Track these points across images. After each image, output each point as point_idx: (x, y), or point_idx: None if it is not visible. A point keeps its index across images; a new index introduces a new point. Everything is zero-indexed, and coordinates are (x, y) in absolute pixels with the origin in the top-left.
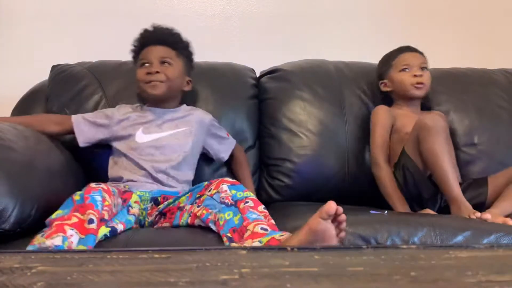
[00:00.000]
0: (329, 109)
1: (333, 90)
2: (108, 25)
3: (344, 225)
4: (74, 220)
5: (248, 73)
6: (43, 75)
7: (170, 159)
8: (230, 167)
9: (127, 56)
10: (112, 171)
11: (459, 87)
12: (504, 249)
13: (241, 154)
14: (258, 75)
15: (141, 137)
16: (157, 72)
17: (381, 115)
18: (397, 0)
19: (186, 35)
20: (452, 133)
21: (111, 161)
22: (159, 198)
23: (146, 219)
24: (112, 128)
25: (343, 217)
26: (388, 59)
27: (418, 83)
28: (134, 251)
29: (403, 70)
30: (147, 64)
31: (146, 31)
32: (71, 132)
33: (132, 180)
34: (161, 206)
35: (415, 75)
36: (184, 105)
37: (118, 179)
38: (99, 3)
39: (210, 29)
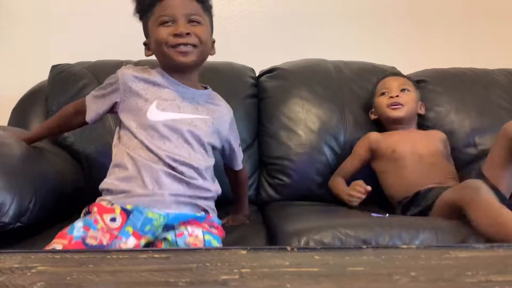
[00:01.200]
0: (328, 107)
1: (332, 88)
2: (108, 25)
3: None
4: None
5: (248, 73)
6: (43, 75)
7: (189, 146)
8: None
9: (127, 56)
10: (116, 157)
11: (459, 87)
12: (504, 249)
13: (244, 171)
14: (257, 74)
15: (155, 113)
16: (188, 34)
17: (358, 145)
18: (397, 0)
19: None
20: (453, 134)
21: (115, 140)
22: (174, 225)
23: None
24: (119, 92)
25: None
26: (373, 88)
27: (393, 104)
28: (134, 251)
29: (382, 94)
30: (170, 23)
31: None
32: None
33: (139, 174)
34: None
35: (390, 97)
36: (211, 90)
37: (122, 166)
38: (99, 3)
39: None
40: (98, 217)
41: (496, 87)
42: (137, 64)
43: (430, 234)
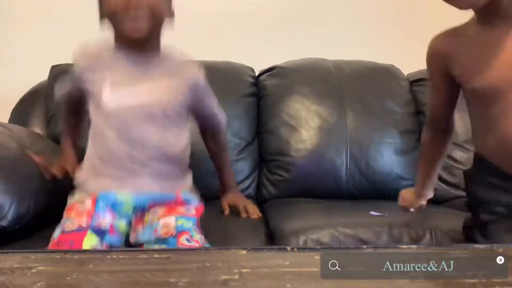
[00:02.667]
0: (328, 104)
1: (332, 86)
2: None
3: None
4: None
5: (247, 72)
6: (43, 75)
7: (155, 129)
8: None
9: None
10: (89, 150)
11: None
12: (504, 249)
13: (224, 136)
14: (257, 74)
15: (109, 97)
16: (138, 5)
17: (427, 64)
18: (398, 0)
19: (186, 34)
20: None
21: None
22: (145, 206)
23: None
24: (80, 78)
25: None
26: None
27: None
28: (134, 251)
29: None
30: None
31: None
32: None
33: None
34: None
35: None
36: (171, 51)
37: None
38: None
39: (210, 29)
40: (66, 214)
41: None
42: None
43: (430, 233)
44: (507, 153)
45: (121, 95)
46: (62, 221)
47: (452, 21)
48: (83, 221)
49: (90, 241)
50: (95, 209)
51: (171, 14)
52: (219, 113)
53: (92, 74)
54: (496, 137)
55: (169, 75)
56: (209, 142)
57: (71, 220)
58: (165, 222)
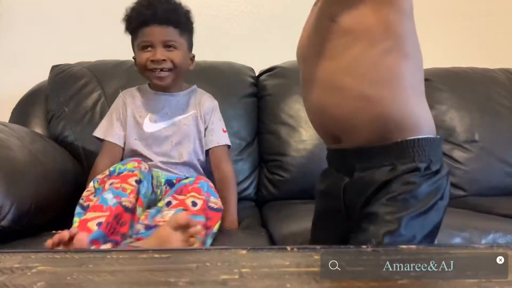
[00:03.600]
0: None
1: None
2: (108, 25)
3: (194, 238)
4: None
5: (247, 72)
6: (43, 75)
7: (181, 146)
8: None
9: (127, 56)
10: None
11: (460, 85)
12: (504, 249)
13: (229, 169)
14: (257, 74)
15: (149, 125)
16: (164, 60)
17: None
18: None
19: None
20: (453, 130)
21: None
22: (174, 181)
23: (160, 199)
24: (124, 116)
25: (194, 230)
26: None
27: None
28: (134, 251)
29: None
30: (149, 48)
31: (144, 5)
32: (120, 150)
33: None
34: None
35: None
36: (193, 87)
37: None
38: (99, 3)
39: (210, 29)
40: (124, 185)
41: (497, 86)
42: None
43: None
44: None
45: (156, 125)
46: (112, 189)
47: (453, 20)
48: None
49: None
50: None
51: (191, 62)
52: (224, 139)
53: (133, 107)
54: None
55: (192, 105)
56: (214, 172)
57: (128, 197)
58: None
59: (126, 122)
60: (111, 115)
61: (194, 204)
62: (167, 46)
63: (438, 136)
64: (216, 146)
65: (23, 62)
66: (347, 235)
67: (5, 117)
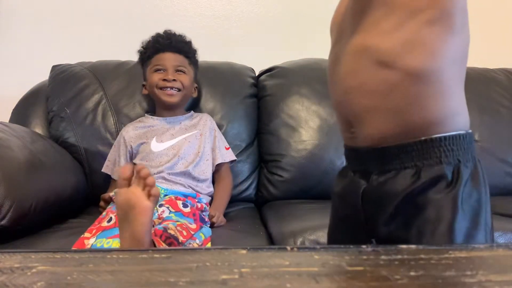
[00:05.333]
0: (328, 104)
1: None
2: (108, 25)
3: (153, 189)
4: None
5: (247, 72)
6: (43, 75)
7: (186, 160)
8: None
9: (127, 56)
10: None
11: None
12: (504, 249)
13: (230, 181)
14: (257, 74)
15: (156, 145)
16: (174, 80)
17: None
18: None
19: (186, 35)
20: None
21: None
22: (173, 198)
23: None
24: (129, 149)
25: (150, 180)
26: None
27: None
28: (134, 251)
29: None
30: (162, 70)
31: (161, 36)
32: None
33: None
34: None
35: None
36: (192, 112)
37: None
38: (98, 3)
39: (210, 29)
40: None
41: (497, 85)
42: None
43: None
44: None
45: (163, 144)
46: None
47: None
48: None
49: None
50: None
51: (194, 91)
52: (229, 155)
53: (140, 133)
54: None
55: (193, 126)
56: (216, 183)
57: None
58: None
59: (133, 153)
60: (119, 150)
61: (185, 205)
62: (178, 70)
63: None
64: (221, 163)
65: (23, 62)
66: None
67: (5, 117)
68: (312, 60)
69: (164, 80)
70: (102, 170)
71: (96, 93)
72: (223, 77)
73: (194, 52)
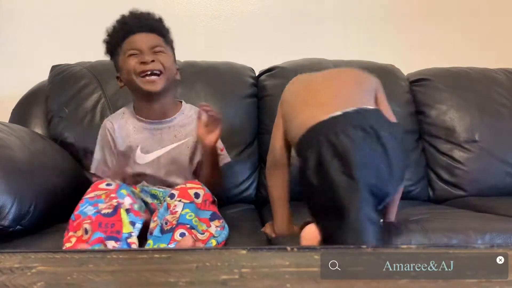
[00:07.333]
0: None
1: None
2: (108, 25)
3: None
4: (72, 241)
5: (248, 73)
6: (43, 75)
7: (176, 173)
8: None
9: None
10: None
11: (460, 86)
12: (504, 249)
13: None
14: (257, 74)
15: (141, 157)
16: (153, 61)
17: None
18: (398, 0)
19: (186, 35)
20: (453, 130)
21: None
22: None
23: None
24: (116, 145)
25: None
26: None
27: None
28: (134, 251)
29: None
30: (137, 54)
31: (127, 17)
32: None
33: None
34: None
35: None
36: (183, 106)
37: None
38: (98, 3)
39: (210, 29)
40: (97, 192)
41: (497, 86)
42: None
43: (421, 237)
44: None
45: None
46: (88, 200)
47: (453, 21)
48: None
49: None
50: (116, 192)
51: (177, 73)
52: (225, 159)
53: (123, 135)
54: None
55: (184, 132)
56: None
57: (103, 204)
58: (175, 207)
59: (118, 154)
60: (103, 149)
61: (196, 195)
62: (155, 52)
63: None
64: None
65: (23, 62)
66: None
67: (5, 117)
68: (312, 59)
69: (142, 63)
70: (91, 171)
71: (95, 93)
72: (223, 77)
73: (167, 30)
